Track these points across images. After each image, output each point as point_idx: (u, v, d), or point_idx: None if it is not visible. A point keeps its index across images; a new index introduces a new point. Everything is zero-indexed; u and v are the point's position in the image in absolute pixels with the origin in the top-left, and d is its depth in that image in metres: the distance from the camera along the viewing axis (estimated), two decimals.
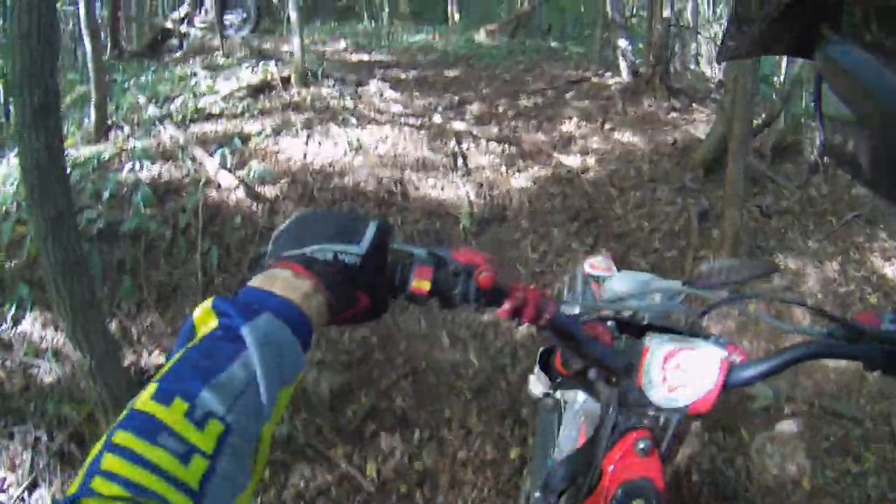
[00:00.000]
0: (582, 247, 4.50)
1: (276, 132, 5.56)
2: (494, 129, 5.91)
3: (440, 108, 6.57)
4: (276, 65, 7.01)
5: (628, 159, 5.66)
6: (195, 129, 5.60)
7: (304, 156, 5.30)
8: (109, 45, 8.69)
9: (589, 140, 6.07)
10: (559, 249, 4.57)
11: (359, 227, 0.71)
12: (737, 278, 0.95)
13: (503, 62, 8.79)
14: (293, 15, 6.26)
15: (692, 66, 12.28)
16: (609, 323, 0.92)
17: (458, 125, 5.96)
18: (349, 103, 6.32)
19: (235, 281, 3.81)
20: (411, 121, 6.04)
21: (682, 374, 0.82)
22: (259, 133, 5.50)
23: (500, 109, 6.85)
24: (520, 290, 0.76)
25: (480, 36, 10.81)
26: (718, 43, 0.78)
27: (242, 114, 5.99)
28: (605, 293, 1.17)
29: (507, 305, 0.75)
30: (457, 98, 6.98)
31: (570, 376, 0.99)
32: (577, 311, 0.94)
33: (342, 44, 9.46)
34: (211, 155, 5.02)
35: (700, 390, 0.82)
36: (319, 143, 5.50)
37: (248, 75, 6.90)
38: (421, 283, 0.71)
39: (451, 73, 8.15)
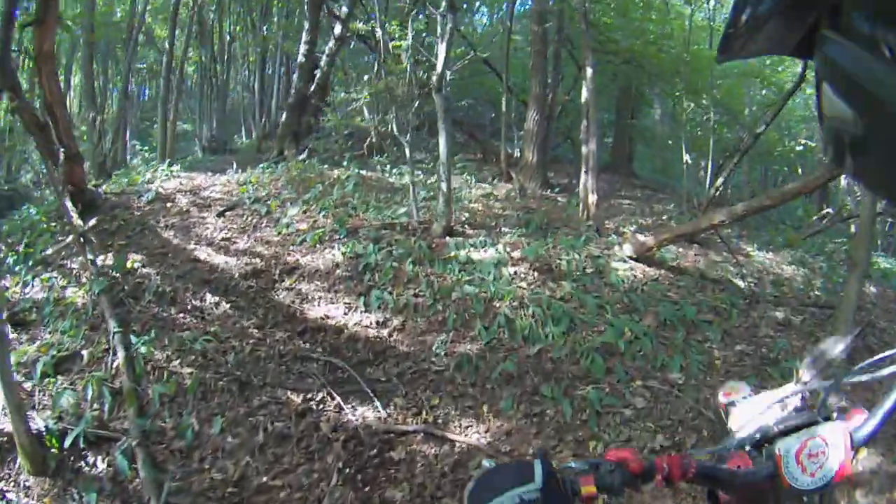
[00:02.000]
0: None
1: None
2: None
3: None
4: None
5: None
6: None
7: None
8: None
9: None
10: None
11: (526, 467, 0.83)
12: (838, 354, 1.14)
13: None
14: None
15: None
16: (747, 447, 1.02)
17: None
18: None
19: None
20: None
21: (816, 459, 0.93)
22: None
23: None
24: (663, 462, 0.92)
25: (631, 273, 5.61)
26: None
27: None
28: (733, 421, 1.18)
29: (658, 478, 0.91)
30: None
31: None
32: (714, 455, 1.05)
33: (338, 253, 5.14)
34: None
35: (836, 462, 0.93)
36: None
37: None
38: (588, 489, 0.85)
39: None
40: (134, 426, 3.40)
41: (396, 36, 6.24)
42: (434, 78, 5.62)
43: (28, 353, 3.97)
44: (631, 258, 5.73)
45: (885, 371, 1.05)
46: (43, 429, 3.35)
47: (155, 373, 3.85)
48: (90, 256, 4.60)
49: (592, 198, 6.65)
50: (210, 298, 4.46)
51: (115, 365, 3.88)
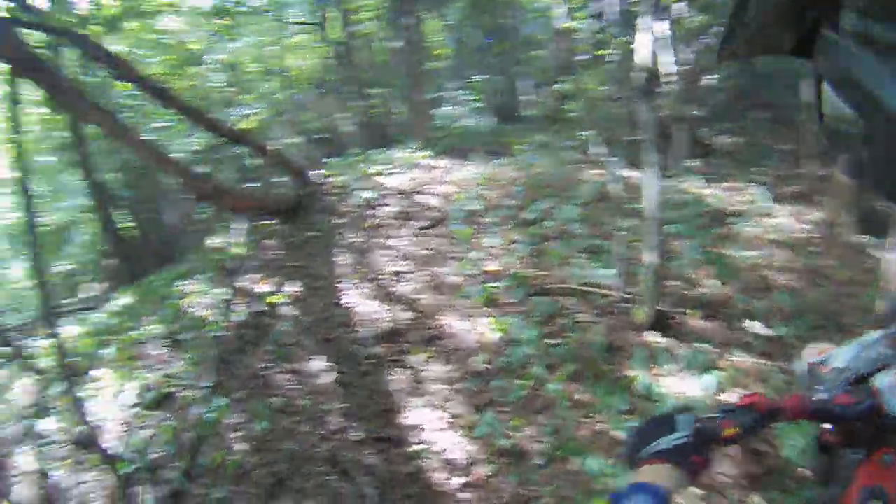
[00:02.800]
0: None
1: None
2: None
3: None
4: None
5: None
6: None
7: None
8: None
9: None
10: None
11: (673, 419, 0.96)
12: None
13: None
14: None
15: None
16: (846, 387, 1.07)
17: None
18: None
19: None
20: None
21: None
22: None
23: None
24: (787, 401, 1.00)
25: None
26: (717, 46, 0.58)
27: None
28: (827, 368, 1.19)
29: (787, 415, 0.98)
30: None
31: (838, 444, 1.12)
32: (823, 395, 1.08)
33: (491, 331, 3.73)
34: None
35: None
36: None
37: None
38: (730, 430, 0.95)
39: None
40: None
41: None
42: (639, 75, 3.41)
43: (148, 380, 4.03)
44: None
45: None
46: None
47: (213, 439, 3.46)
48: (238, 284, 4.45)
49: None
50: (315, 366, 3.80)
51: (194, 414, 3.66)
